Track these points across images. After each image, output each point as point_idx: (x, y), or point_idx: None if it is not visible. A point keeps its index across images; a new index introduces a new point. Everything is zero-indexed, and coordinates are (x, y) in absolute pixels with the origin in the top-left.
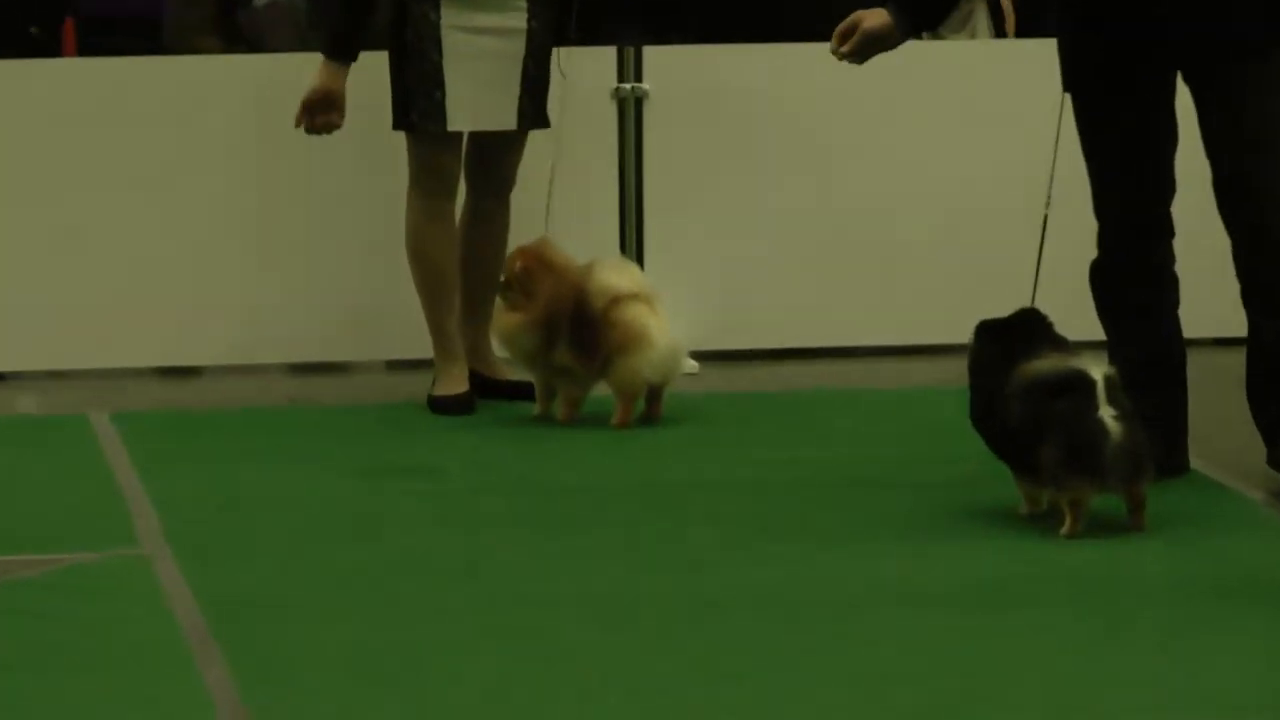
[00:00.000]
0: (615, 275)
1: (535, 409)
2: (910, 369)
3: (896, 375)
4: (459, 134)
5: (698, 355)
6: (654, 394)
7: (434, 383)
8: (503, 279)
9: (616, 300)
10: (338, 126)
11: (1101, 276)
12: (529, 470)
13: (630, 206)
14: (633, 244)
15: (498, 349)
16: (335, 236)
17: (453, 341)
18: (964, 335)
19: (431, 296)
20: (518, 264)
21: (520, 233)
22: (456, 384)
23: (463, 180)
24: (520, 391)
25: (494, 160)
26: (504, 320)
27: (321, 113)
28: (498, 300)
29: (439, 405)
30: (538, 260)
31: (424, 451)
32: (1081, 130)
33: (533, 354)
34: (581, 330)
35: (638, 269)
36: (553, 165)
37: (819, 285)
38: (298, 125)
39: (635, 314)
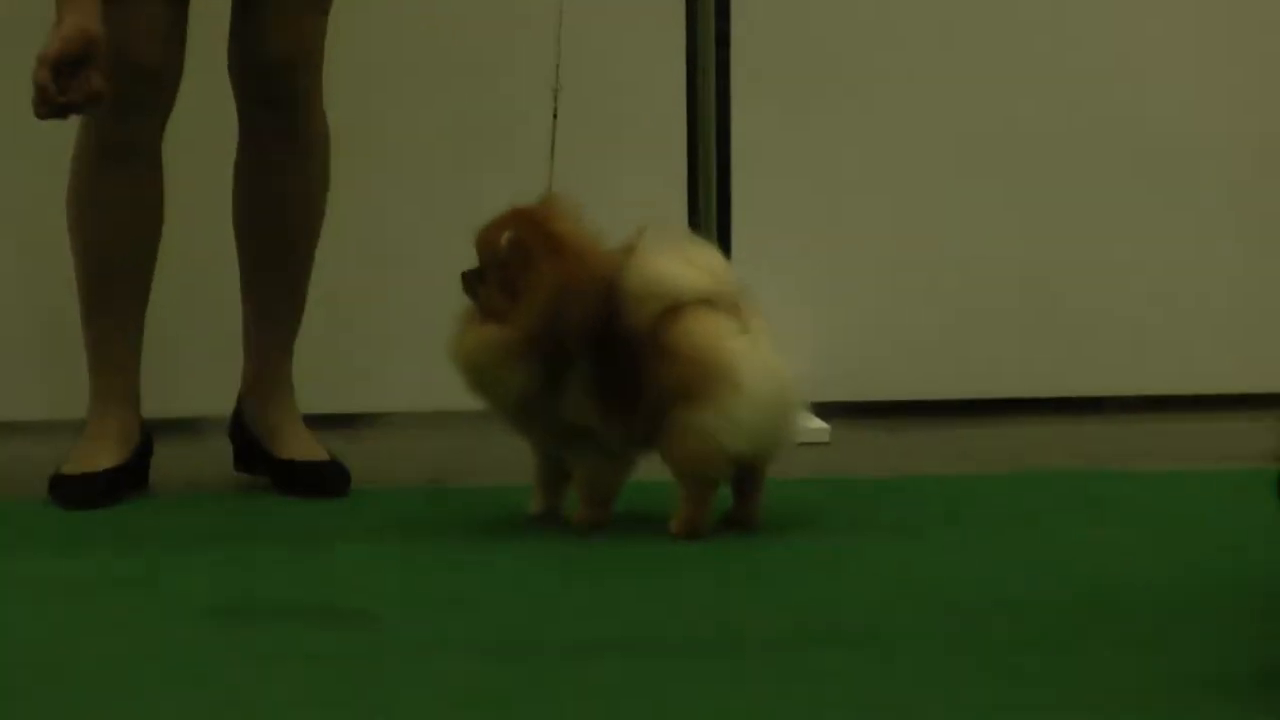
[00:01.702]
0: (675, 263)
1: (531, 505)
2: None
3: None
4: None
5: (827, 410)
6: (748, 479)
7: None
8: (473, 268)
9: (677, 308)
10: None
11: None
12: (509, 624)
13: (705, 154)
14: (710, 217)
15: (472, 390)
16: None
17: (114, 374)
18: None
19: (88, 293)
20: (506, 237)
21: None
22: (97, 454)
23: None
24: (327, 483)
25: (256, 36)
26: (473, 337)
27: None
28: (465, 305)
29: (60, 492)
30: (539, 233)
31: (318, 580)
32: None
33: (522, 399)
34: (613, 359)
35: (715, 253)
36: (557, 73)
37: (1020, 295)
38: (42, 106)
39: (711, 333)
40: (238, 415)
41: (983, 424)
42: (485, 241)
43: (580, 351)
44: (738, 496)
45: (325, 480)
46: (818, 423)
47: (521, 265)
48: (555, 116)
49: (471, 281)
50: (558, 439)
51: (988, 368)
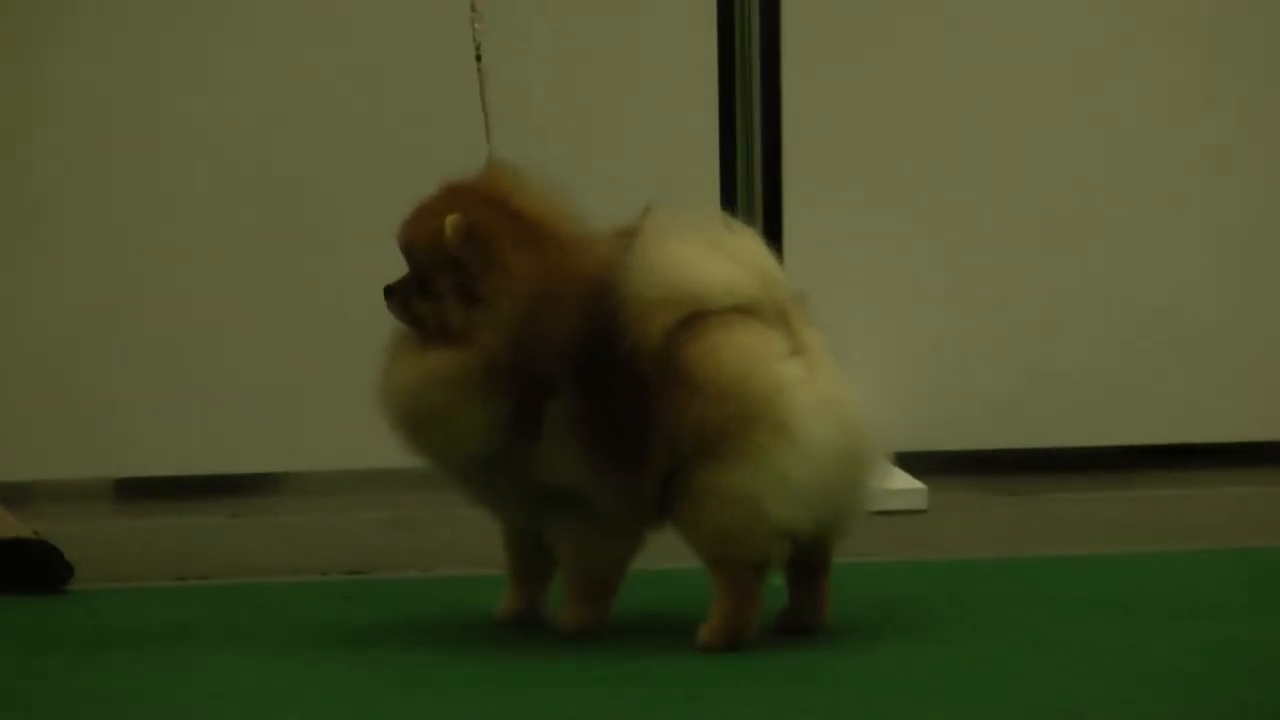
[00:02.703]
0: (696, 254)
1: (500, 602)
2: None
3: None
4: None
5: (920, 464)
6: (807, 563)
7: None
8: (402, 278)
9: (700, 319)
10: None
11: None
12: None
13: (749, 126)
14: (754, 202)
15: (410, 441)
16: None
17: None
18: None
19: None
20: (454, 224)
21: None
22: None
23: None
24: (50, 568)
25: None
26: (413, 367)
27: None
28: (395, 329)
29: None
30: (499, 217)
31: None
32: None
33: (483, 449)
34: (608, 393)
35: (755, 241)
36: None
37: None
38: None
39: (749, 354)
40: None
41: (1133, 480)
42: (419, 235)
43: (563, 382)
44: (794, 589)
45: (48, 565)
46: (909, 481)
47: (479, 262)
48: (480, 60)
49: (402, 296)
50: (532, 507)
51: (1138, 410)
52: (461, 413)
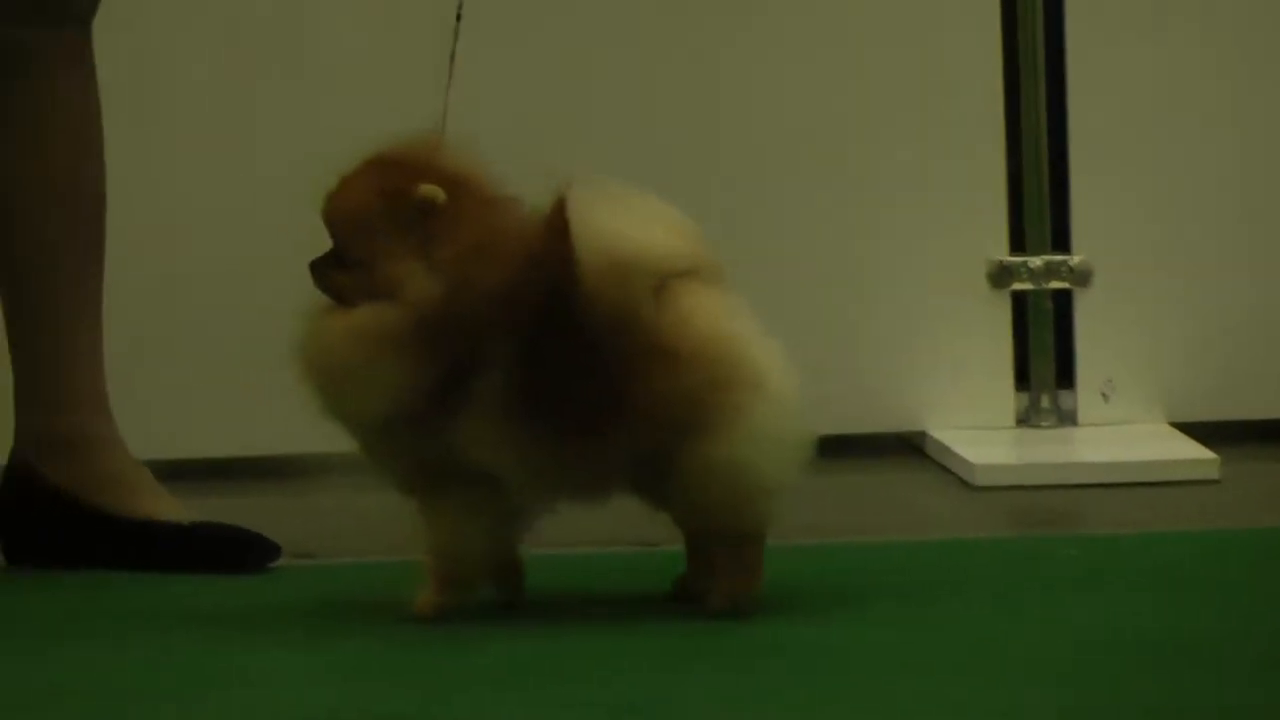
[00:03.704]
0: (636, 221)
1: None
2: None
3: None
4: None
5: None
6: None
7: None
8: (326, 253)
9: (660, 285)
10: None
11: None
12: None
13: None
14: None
15: (324, 399)
16: None
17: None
18: None
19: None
20: (424, 192)
21: None
22: None
23: None
24: (251, 553)
25: None
26: (336, 322)
27: None
28: (314, 301)
29: None
30: (457, 183)
31: None
32: None
33: (396, 411)
34: (550, 364)
35: (671, 207)
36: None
37: None
38: None
39: (717, 317)
40: (23, 478)
41: None
42: (340, 207)
43: (498, 355)
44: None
45: (249, 549)
46: (1200, 451)
47: (407, 223)
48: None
49: (323, 268)
50: (420, 479)
51: None
52: (381, 369)
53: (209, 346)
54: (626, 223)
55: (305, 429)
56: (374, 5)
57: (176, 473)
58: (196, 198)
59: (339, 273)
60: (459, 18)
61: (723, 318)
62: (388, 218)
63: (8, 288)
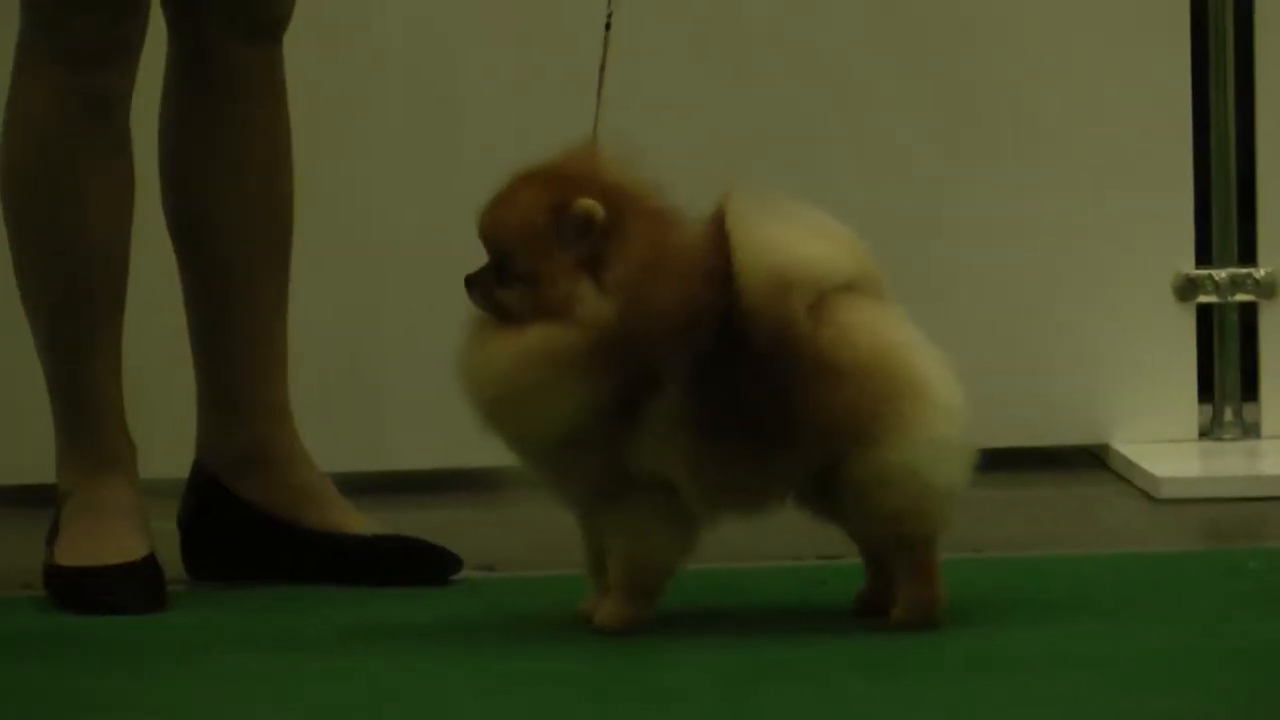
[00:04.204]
0: (798, 234)
1: (581, 603)
2: None
3: None
4: None
5: None
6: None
7: (55, 534)
8: (482, 267)
9: (821, 299)
10: None
11: None
12: None
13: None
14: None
15: (495, 421)
16: None
17: (104, 424)
18: None
19: (57, 316)
20: (582, 206)
21: None
22: (108, 540)
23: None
24: (434, 564)
25: None
26: (506, 343)
27: None
28: (473, 315)
29: (68, 588)
30: (613, 197)
31: None
32: None
33: (573, 433)
34: (723, 380)
35: (831, 219)
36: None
37: None
38: None
39: (879, 330)
40: (208, 491)
41: None
42: (501, 222)
43: (671, 375)
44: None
45: (435, 561)
46: None
47: (615, 240)
48: (607, 36)
49: (484, 285)
50: (604, 495)
51: None
52: (558, 391)
53: (400, 359)
54: (786, 236)
55: (483, 443)
56: (517, 18)
57: (358, 486)
58: (392, 210)
59: (500, 288)
60: (608, 26)
61: (883, 329)
62: (555, 232)
63: (203, 300)
